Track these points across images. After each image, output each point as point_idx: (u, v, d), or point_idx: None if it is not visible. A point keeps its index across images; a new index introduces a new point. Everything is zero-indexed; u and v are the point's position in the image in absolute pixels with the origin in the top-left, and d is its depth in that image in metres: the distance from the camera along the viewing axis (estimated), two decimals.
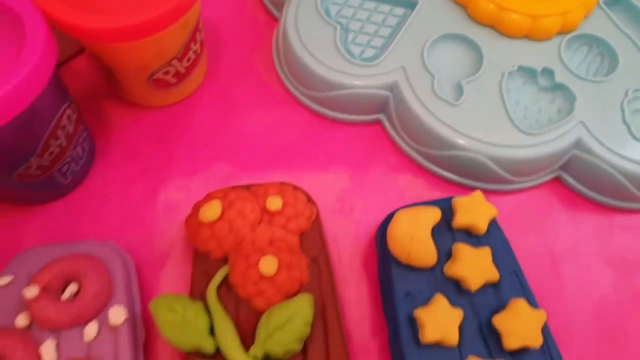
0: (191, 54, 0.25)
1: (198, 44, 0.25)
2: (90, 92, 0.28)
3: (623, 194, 0.25)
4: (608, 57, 0.27)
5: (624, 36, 0.27)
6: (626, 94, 0.25)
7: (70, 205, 0.25)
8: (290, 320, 0.20)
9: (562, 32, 0.27)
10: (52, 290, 0.21)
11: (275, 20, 0.30)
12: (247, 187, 0.24)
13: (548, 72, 0.26)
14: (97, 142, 0.27)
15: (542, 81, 0.26)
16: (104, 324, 0.21)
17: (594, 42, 0.27)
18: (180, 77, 0.25)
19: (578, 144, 0.25)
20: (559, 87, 0.26)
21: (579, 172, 0.25)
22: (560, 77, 0.26)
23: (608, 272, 0.25)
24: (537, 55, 0.26)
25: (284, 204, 0.23)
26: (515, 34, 0.27)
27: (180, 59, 0.24)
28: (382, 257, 0.23)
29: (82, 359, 0.20)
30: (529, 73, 0.26)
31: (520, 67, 0.26)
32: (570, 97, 0.26)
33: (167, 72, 0.24)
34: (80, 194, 0.25)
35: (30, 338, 0.20)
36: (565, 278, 0.24)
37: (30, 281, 0.21)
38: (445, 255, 0.22)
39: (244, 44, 0.30)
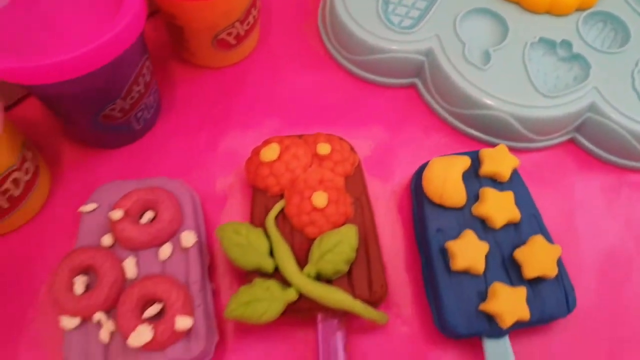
0: (250, 19, 0.28)
1: (256, 10, 0.28)
2: (157, 54, 0.31)
3: (632, 154, 0.28)
4: (621, 32, 0.30)
5: (635, 14, 0.30)
6: (636, 64, 0.28)
7: (140, 150, 0.28)
8: (339, 244, 0.23)
9: (580, 9, 0.30)
10: (133, 216, 0.24)
11: None
12: (299, 136, 0.27)
13: (566, 44, 0.29)
14: (163, 97, 0.30)
15: (561, 52, 0.29)
16: (176, 246, 0.24)
17: (608, 18, 0.30)
18: (239, 39, 0.29)
19: (592, 107, 0.28)
20: (576, 57, 0.29)
21: (592, 133, 0.28)
22: (578, 48, 0.29)
23: (615, 224, 0.28)
24: (556, 28, 0.29)
25: (332, 150, 0.26)
26: (537, 9, 0.29)
27: (242, 22, 0.27)
28: (416, 198, 0.26)
29: (158, 274, 0.23)
30: (549, 44, 0.29)
31: (541, 38, 0.29)
32: (586, 66, 0.28)
33: (229, 34, 0.28)
34: (148, 139, 0.29)
35: (114, 255, 0.24)
36: (577, 226, 0.27)
37: (114, 206, 0.24)
38: (473, 198, 0.25)
39: (292, 13, 0.33)
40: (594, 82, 0.28)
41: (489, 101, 0.27)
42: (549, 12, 0.30)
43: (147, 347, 0.22)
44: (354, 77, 0.31)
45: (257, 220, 0.25)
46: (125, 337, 0.22)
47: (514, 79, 0.28)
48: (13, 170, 0.23)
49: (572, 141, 0.29)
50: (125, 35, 0.21)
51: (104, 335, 0.22)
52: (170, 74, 0.30)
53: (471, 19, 0.30)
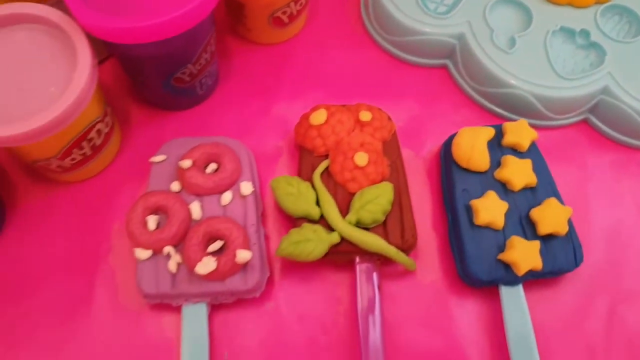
0: (303, 0, 0.31)
1: None
2: (216, 28, 0.35)
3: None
4: (635, 24, 0.32)
5: None
6: None
7: (200, 113, 0.32)
8: (377, 197, 0.26)
9: (599, 2, 0.33)
10: (199, 166, 0.28)
11: None
12: (343, 105, 0.30)
13: (585, 33, 0.32)
14: (220, 67, 0.33)
15: (579, 40, 0.32)
16: (236, 194, 0.28)
17: (624, 11, 0.33)
18: (292, 18, 0.32)
19: (605, 90, 0.31)
20: (593, 45, 0.32)
21: (604, 114, 0.31)
22: (595, 37, 0.32)
23: (622, 194, 0.31)
24: (576, 19, 0.32)
25: (372, 118, 0.29)
26: (559, 1, 0.33)
27: (296, 2, 0.31)
28: (445, 163, 0.29)
29: (220, 217, 0.27)
30: (568, 33, 0.32)
31: (562, 27, 0.32)
32: (601, 53, 0.31)
33: (284, 12, 0.31)
34: (207, 104, 0.32)
35: (182, 198, 0.27)
36: (588, 194, 0.30)
37: (183, 157, 0.28)
38: (496, 164, 0.28)
39: None
40: (609, 67, 0.31)
41: (512, 81, 0.30)
42: (570, 4, 0.33)
43: (210, 277, 0.25)
44: (391, 56, 0.34)
45: (304, 176, 0.28)
46: (191, 268, 0.25)
47: (535, 63, 0.31)
48: (98, 122, 0.27)
49: (585, 121, 0.32)
50: (205, 6, 0.24)
51: (172, 265, 0.26)
52: (227, 47, 0.34)
53: (499, 8, 0.33)
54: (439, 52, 0.33)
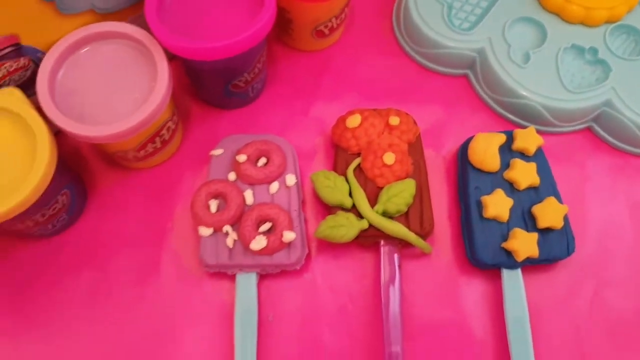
0: (342, 15, 0.36)
1: (347, 8, 0.36)
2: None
3: (637, 142, 0.35)
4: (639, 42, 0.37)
5: None
6: None
7: (250, 112, 0.37)
8: (402, 192, 0.32)
9: (608, 22, 0.37)
10: (252, 160, 0.33)
11: None
12: (374, 109, 0.35)
13: (593, 50, 0.36)
14: (267, 72, 0.38)
15: (588, 56, 0.36)
16: (282, 184, 0.33)
17: (632, 31, 0.37)
18: (332, 30, 0.37)
19: (607, 102, 0.35)
20: (600, 62, 0.36)
21: (606, 124, 0.36)
22: (602, 54, 0.36)
23: (617, 196, 0.35)
24: (587, 37, 0.36)
25: (400, 122, 0.34)
26: (572, 20, 0.37)
27: (337, 17, 0.35)
28: (461, 163, 0.34)
29: (269, 203, 0.32)
30: (579, 50, 0.36)
31: (573, 45, 0.36)
32: (607, 69, 0.35)
33: (326, 26, 0.36)
34: (256, 105, 0.37)
35: (237, 187, 0.33)
36: (585, 194, 0.35)
37: (238, 152, 0.33)
38: (505, 166, 0.33)
39: (371, 10, 0.41)
40: (612, 83, 0.35)
41: (524, 93, 0.35)
42: (582, 23, 0.37)
43: (261, 252, 0.31)
44: (419, 65, 0.39)
45: (339, 171, 0.33)
46: (246, 244, 0.31)
47: (546, 77, 0.35)
48: (168, 121, 0.33)
49: (589, 129, 0.37)
50: (263, 29, 0.29)
51: (230, 242, 0.31)
52: (273, 54, 0.39)
53: (517, 25, 0.37)
54: (461, 64, 0.37)
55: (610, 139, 0.36)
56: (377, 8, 0.41)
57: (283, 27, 0.37)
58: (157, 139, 0.32)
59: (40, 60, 0.30)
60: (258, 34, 0.29)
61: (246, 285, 0.31)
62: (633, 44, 0.37)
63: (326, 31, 0.37)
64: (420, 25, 0.37)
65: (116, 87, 0.30)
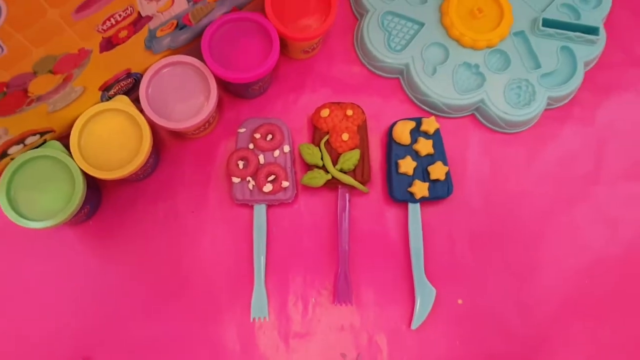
0: (320, 41, 0.58)
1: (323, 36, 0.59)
2: None
3: (498, 124, 0.59)
4: (506, 62, 0.59)
5: (517, 52, 0.59)
6: (509, 81, 0.58)
7: (261, 101, 0.60)
8: (351, 157, 0.55)
9: (488, 47, 0.59)
10: (263, 136, 0.57)
11: (357, 20, 0.63)
12: (338, 103, 0.58)
13: (476, 66, 0.59)
14: (273, 77, 0.61)
15: (473, 70, 0.59)
16: (281, 151, 0.56)
17: (502, 53, 0.59)
18: (313, 49, 0.59)
19: (482, 100, 0.58)
20: (479, 74, 0.59)
21: (481, 113, 0.59)
22: (482, 69, 0.59)
23: (486, 158, 0.59)
24: (473, 57, 0.59)
25: (353, 113, 0.57)
26: (465, 45, 0.59)
27: (317, 43, 0.58)
28: (389, 138, 0.58)
29: (273, 163, 0.56)
30: (468, 65, 0.59)
31: (464, 62, 0.59)
32: (483, 79, 0.58)
33: (310, 48, 0.58)
34: (265, 97, 0.60)
35: (255, 153, 0.56)
36: (466, 159, 0.59)
37: (254, 130, 0.56)
38: (414, 141, 0.57)
39: (339, 32, 0.63)
40: (486, 88, 0.58)
41: (431, 94, 0.58)
42: (472, 47, 0.59)
43: (269, 193, 0.55)
44: (369, 71, 0.61)
45: (316, 142, 0.57)
46: (260, 188, 0.55)
47: (446, 83, 0.58)
48: (213, 113, 0.55)
49: (473, 115, 0.60)
50: (270, 67, 0.52)
51: (250, 186, 0.55)
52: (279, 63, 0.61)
53: (431, 48, 0.59)
54: (394, 72, 0.60)
55: (484, 122, 0.60)
56: (343, 32, 0.63)
57: (282, 47, 0.59)
58: (206, 124, 0.55)
59: (139, 78, 0.52)
60: (267, 69, 0.51)
61: (260, 211, 0.56)
62: (502, 61, 0.59)
63: (310, 50, 0.59)
64: (369, 46, 0.59)
65: (184, 95, 0.53)
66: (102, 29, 0.42)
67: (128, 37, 0.45)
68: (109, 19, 0.41)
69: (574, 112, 0.61)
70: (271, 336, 0.54)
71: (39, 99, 0.43)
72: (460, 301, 0.56)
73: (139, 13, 0.43)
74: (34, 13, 0.35)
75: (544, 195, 0.59)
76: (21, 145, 0.48)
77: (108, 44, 0.44)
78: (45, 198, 0.49)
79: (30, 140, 0.48)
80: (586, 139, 0.61)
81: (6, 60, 0.37)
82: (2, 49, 0.35)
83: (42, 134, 0.49)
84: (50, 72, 0.41)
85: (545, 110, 0.60)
